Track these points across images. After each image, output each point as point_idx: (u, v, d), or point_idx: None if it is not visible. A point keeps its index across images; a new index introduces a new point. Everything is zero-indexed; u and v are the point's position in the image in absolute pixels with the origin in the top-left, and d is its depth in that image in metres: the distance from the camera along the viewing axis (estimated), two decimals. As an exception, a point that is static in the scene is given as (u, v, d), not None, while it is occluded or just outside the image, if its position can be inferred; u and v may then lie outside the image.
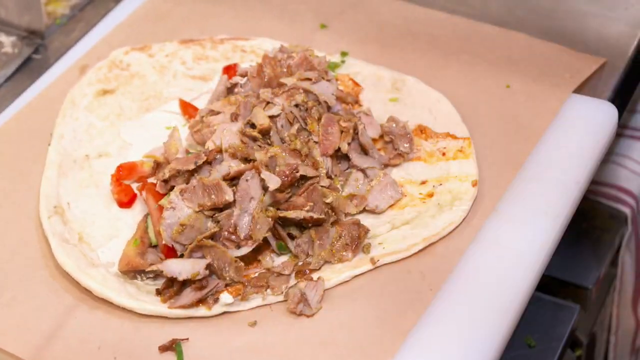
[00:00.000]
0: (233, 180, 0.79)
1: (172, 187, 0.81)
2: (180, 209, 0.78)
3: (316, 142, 0.85)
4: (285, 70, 0.94)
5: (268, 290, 0.75)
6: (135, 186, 0.87)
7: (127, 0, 1.19)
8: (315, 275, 0.76)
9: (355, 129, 0.85)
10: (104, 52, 1.04)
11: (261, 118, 0.83)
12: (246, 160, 0.82)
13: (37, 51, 1.11)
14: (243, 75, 0.95)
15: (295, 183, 0.79)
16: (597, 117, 0.95)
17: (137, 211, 0.85)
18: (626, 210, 1.14)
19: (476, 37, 1.09)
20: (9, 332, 0.75)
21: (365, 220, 0.81)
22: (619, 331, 1.26)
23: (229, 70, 0.98)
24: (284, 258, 0.78)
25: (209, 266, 0.75)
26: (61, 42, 1.12)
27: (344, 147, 0.84)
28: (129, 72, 1.02)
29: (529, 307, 0.80)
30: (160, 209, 0.80)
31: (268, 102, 0.86)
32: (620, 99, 0.99)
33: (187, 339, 0.72)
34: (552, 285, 1.07)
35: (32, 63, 1.09)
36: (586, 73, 1.00)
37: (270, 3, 1.17)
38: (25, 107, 1.00)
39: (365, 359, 0.70)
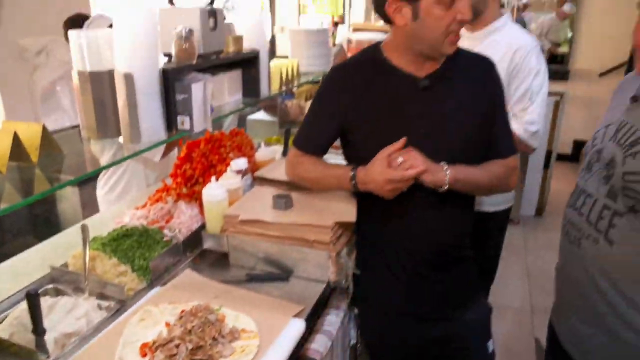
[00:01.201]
0: (178, 346, 1.29)
1: (158, 349, 1.31)
2: (158, 357, 1.28)
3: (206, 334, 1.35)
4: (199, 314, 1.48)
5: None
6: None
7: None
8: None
9: (221, 329, 1.36)
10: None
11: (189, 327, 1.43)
12: (182, 339, 1.32)
13: (119, 310, 1.60)
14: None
15: (199, 348, 1.29)
16: (299, 326, 1.52)
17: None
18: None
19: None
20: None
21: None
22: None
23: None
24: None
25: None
26: (134, 301, 1.63)
27: (215, 335, 1.34)
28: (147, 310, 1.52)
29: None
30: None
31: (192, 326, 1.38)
32: (310, 322, 1.59)
33: None
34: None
35: (115, 313, 1.60)
36: (296, 310, 1.56)
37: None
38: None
39: None
